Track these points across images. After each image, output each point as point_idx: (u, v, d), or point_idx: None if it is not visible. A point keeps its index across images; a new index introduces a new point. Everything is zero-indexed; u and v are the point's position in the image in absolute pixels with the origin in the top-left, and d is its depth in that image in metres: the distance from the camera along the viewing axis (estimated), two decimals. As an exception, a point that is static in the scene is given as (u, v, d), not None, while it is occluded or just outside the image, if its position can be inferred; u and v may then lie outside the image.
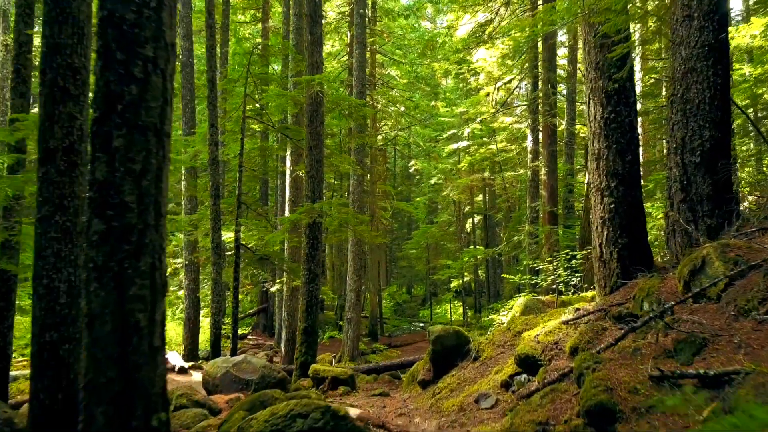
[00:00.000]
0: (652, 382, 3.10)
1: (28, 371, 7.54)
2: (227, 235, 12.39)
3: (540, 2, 14.16)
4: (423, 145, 28.75)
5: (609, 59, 5.69)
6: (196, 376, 11.43)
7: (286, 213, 14.60)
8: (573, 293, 9.74)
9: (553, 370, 4.52)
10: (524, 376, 4.93)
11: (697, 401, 2.75)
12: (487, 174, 23.59)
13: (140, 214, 2.80)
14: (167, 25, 2.84)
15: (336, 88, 19.64)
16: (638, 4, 7.48)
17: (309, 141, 10.27)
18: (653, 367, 3.24)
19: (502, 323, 11.00)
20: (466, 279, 24.53)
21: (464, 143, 22.49)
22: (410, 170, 33.52)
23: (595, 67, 5.81)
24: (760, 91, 11.47)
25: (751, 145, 13.43)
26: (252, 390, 8.44)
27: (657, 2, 9.64)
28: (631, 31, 6.95)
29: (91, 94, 3.79)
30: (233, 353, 11.09)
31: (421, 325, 26.96)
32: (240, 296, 25.27)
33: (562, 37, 18.15)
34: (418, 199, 33.32)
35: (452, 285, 27.61)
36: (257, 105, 12.19)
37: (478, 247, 24.14)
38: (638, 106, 8.61)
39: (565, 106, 16.78)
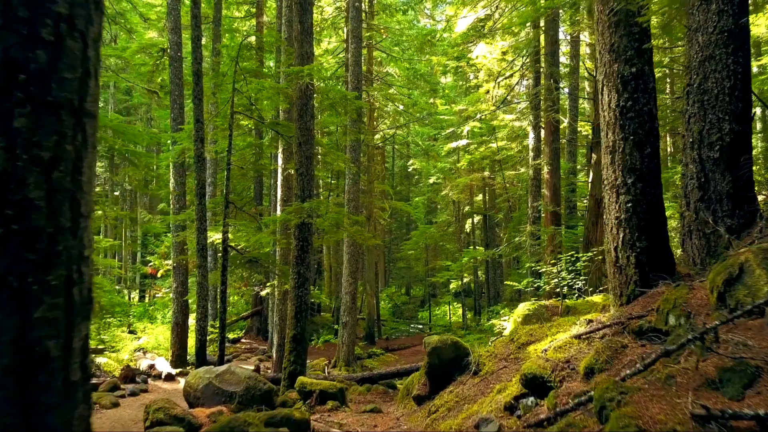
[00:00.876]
0: (695, 423, 2.51)
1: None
2: (215, 236, 11.79)
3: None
4: (422, 143, 28.22)
5: (627, 38, 5.06)
6: (184, 383, 10.93)
7: (278, 213, 13.99)
8: (577, 297, 9.28)
9: (565, 394, 3.92)
10: (531, 398, 4.34)
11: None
12: (487, 173, 22.98)
13: (51, 214, 2.19)
14: (87, -27, 2.24)
15: (332, 86, 19.06)
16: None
17: (299, 137, 9.67)
18: (694, 402, 2.64)
19: (504, 328, 10.45)
20: (465, 280, 23.96)
21: (464, 141, 21.92)
22: (409, 170, 32.90)
23: (609, 50, 5.19)
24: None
25: (758, 142, 12.90)
26: (236, 402, 7.98)
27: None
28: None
29: None
30: (221, 360, 10.60)
31: (420, 327, 26.37)
32: (235, 298, 24.65)
33: (562, 36, 17.61)
34: (416, 198, 32.78)
35: (451, 286, 27.05)
36: (248, 100, 11.58)
37: (477, 247, 23.55)
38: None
39: (567, 103, 16.23)
